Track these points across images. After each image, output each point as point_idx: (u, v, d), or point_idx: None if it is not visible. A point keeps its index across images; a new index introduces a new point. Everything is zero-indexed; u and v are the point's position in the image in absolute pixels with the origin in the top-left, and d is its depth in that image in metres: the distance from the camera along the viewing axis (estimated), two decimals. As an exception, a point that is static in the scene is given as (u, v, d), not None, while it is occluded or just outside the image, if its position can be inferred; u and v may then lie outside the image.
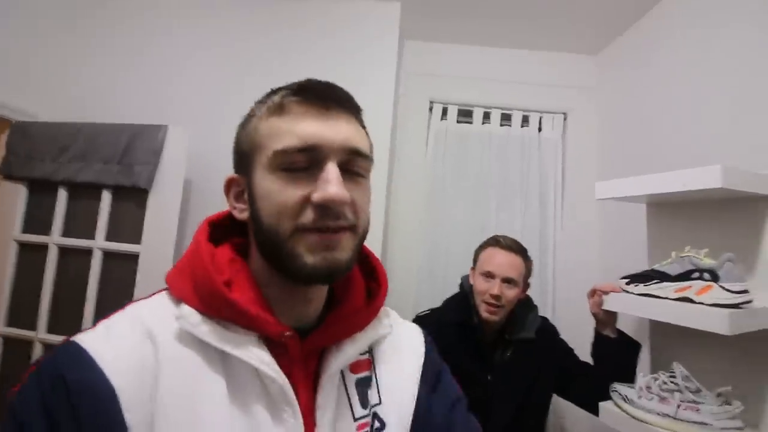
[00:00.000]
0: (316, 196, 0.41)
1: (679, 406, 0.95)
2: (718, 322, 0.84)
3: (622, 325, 1.19)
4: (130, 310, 0.44)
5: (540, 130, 1.92)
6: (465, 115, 1.93)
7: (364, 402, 0.47)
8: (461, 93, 1.92)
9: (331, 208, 0.41)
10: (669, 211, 1.18)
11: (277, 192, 0.42)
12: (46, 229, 1.42)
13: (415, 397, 0.50)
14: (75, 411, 0.36)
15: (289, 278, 0.44)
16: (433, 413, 0.51)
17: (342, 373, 0.47)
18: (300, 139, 0.42)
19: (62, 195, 1.43)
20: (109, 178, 1.38)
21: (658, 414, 0.97)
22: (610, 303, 1.09)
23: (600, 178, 1.71)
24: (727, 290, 0.87)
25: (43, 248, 1.41)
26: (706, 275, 0.91)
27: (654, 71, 1.49)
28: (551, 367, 1.20)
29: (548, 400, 1.24)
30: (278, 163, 0.42)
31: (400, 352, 0.54)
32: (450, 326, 1.19)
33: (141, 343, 0.40)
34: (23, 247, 1.44)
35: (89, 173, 1.38)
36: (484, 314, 1.17)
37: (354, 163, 0.45)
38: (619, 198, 1.13)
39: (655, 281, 1.01)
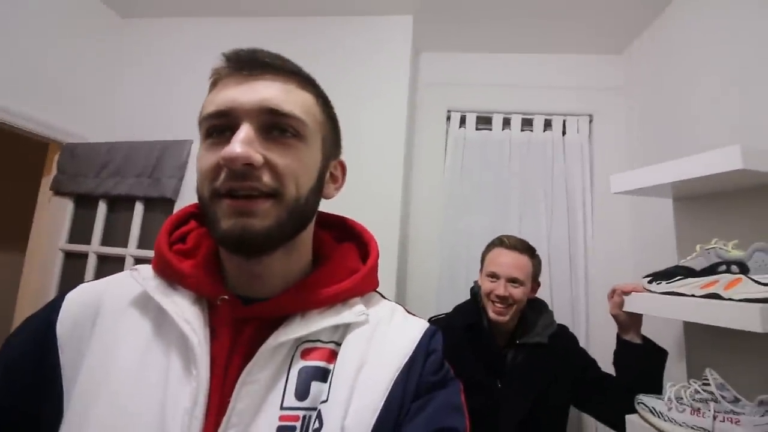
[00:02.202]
0: (220, 155, 0.40)
1: (715, 418, 0.84)
2: (750, 319, 0.75)
3: (654, 329, 1.08)
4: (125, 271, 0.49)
5: (564, 133, 1.86)
6: (484, 122, 1.90)
7: (302, 393, 0.41)
8: (480, 100, 1.90)
9: (235, 170, 0.40)
10: (696, 205, 1.08)
11: (200, 159, 0.44)
12: (87, 239, 1.55)
13: (377, 411, 0.41)
14: (29, 342, 0.43)
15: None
16: None
17: (293, 355, 0.43)
18: (216, 105, 0.42)
19: (102, 207, 1.57)
20: (140, 191, 1.49)
21: (692, 428, 0.86)
22: (631, 304, 1.01)
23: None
24: (758, 282, 0.77)
25: (84, 256, 1.54)
26: (734, 267, 0.82)
27: (681, 66, 1.40)
28: (567, 377, 1.12)
29: (563, 411, 1.14)
30: (203, 133, 0.44)
31: (381, 350, 0.46)
32: (458, 329, 1.15)
33: (95, 295, 0.45)
34: (68, 255, 1.58)
35: (124, 187, 1.51)
36: (492, 315, 1.13)
37: (276, 124, 0.42)
38: (637, 191, 1.06)
39: (679, 278, 0.92)
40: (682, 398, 0.89)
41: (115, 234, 1.55)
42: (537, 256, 1.21)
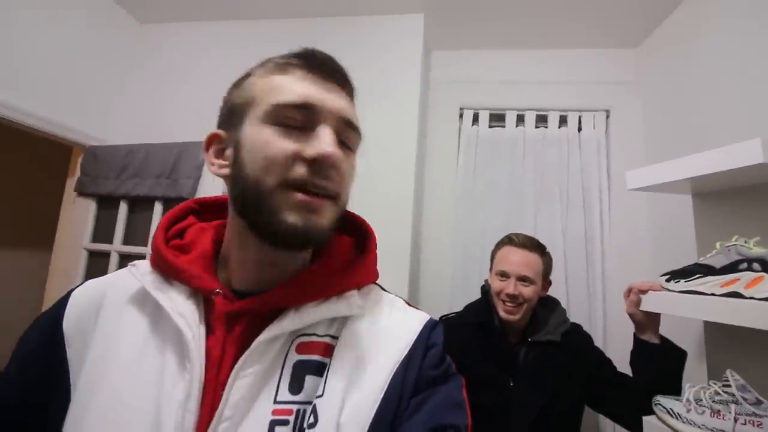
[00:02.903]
0: (311, 151, 0.40)
1: (736, 421, 0.81)
2: (772, 319, 0.72)
3: (672, 329, 1.05)
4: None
5: (580, 129, 1.82)
6: (497, 119, 1.88)
7: (296, 388, 0.41)
8: (492, 97, 1.88)
9: (324, 167, 0.41)
10: (716, 201, 1.05)
11: (267, 144, 0.41)
12: (109, 239, 1.61)
13: (375, 406, 0.40)
14: (39, 338, 0.46)
15: (261, 238, 0.43)
16: None
17: (288, 350, 0.43)
18: (300, 96, 0.42)
19: (123, 208, 1.62)
20: (159, 191, 1.54)
21: (711, 430, 0.84)
22: (648, 303, 0.98)
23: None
24: (782, 281, 0.75)
25: (107, 255, 1.59)
26: (756, 265, 0.79)
27: (697, 58, 1.36)
28: (580, 375, 1.10)
29: (577, 411, 1.12)
30: (273, 117, 0.42)
31: (379, 343, 0.45)
32: (470, 327, 1.15)
33: (99, 290, 0.47)
34: (91, 254, 1.64)
35: (144, 187, 1.56)
36: (503, 314, 1.12)
37: (346, 134, 0.45)
38: (654, 187, 1.03)
39: (699, 276, 0.90)
40: (701, 400, 0.87)
41: (136, 233, 1.60)
42: (547, 254, 1.20)
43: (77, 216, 1.66)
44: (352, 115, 0.46)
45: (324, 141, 0.41)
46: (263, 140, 0.42)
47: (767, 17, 1.07)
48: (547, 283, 1.20)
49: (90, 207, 1.66)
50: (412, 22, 1.70)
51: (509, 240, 1.20)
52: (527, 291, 1.11)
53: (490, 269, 1.24)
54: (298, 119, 0.42)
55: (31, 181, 2.48)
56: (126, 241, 1.61)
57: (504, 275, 1.14)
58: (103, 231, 1.64)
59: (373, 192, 1.52)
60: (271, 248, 0.43)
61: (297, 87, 0.43)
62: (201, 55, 1.81)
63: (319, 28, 1.74)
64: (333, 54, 0.47)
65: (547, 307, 1.19)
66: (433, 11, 1.68)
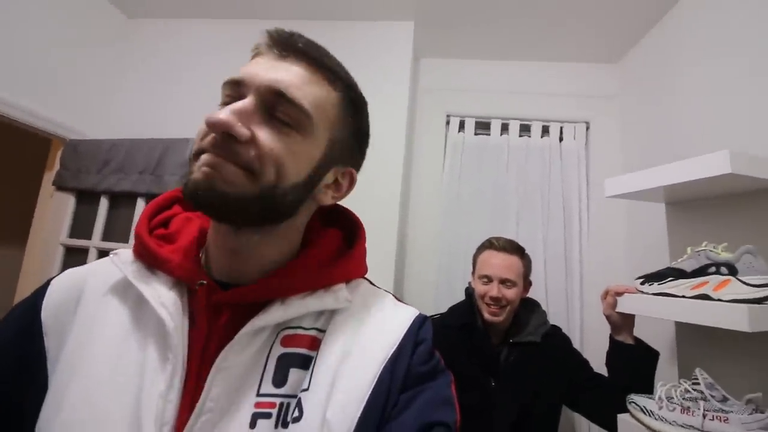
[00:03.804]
0: (205, 118, 0.39)
1: (705, 417, 0.85)
2: (738, 319, 0.77)
3: (646, 330, 1.10)
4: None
5: (561, 140, 1.89)
6: (483, 127, 1.93)
7: (280, 380, 0.40)
8: (479, 106, 1.93)
9: (218, 136, 0.39)
10: (688, 209, 1.11)
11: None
12: (88, 234, 1.57)
13: (363, 403, 0.39)
14: (16, 327, 0.44)
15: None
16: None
17: (273, 342, 0.42)
18: (239, 74, 0.42)
19: (104, 203, 1.59)
20: (143, 188, 1.51)
21: (682, 426, 0.88)
22: (624, 304, 1.02)
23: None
24: (747, 284, 0.80)
25: (85, 251, 1.55)
26: (723, 269, 0.84)
27: (676, 75, 1.44)
28: (559, 376, 1.14)
29: (556, 410, 1.16)
30: (221, 98, 0.43)
31: (367, 338, 0.44)
32: (453, 328, 1.17)
33: (79, 279, 0.46)
34: (68, 250, 1.59)
35: (127, 183, 1.53)
36: (487, 316, 1.16)
37: (277, 108, 0.41)
38: (630, 194, 1.08)
39: (671, 279, 0.94)
40: (672, 397, 0.91)
41: (117, 229, 1.57)
42: (527, 256, 1.24)
43: (55, 211, 1.61)
44: (289, 86, 0.41)
45: (225, 109, 0.39)
46: None
47: (738, 35, 1.14)
48: (527, 283, 1.24)
49: (69, 201, 1.61)
50: (403, 30, 1.74)
51: (490, 244, 1.24)
52: (510, 293, 1.15)
53: (473, 273, 1.28)
54: (231, 95, 0.42)
55: (5, 173, 2.39)
56: (105, 237, 1.57)
57: (487, 279, 1.18)
58: (81, 227, 1.60)
59: (361, 194, 1.51)
60: (227, 229, 0.43)
61: (246, 67, 0.43)
62: (189, 52, 1.80)
63: (310, 31, 1.73)
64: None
65: (527, 308, 1.24)
66: (423, 20, 1.72)
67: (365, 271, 0.53)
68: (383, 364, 0.42)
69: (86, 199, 1.61)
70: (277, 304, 0.42)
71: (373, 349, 0.43)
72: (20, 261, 1.63)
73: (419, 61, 1.96)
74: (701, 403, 0.86)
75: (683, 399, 0.89)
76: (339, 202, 0.53)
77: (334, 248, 0.50)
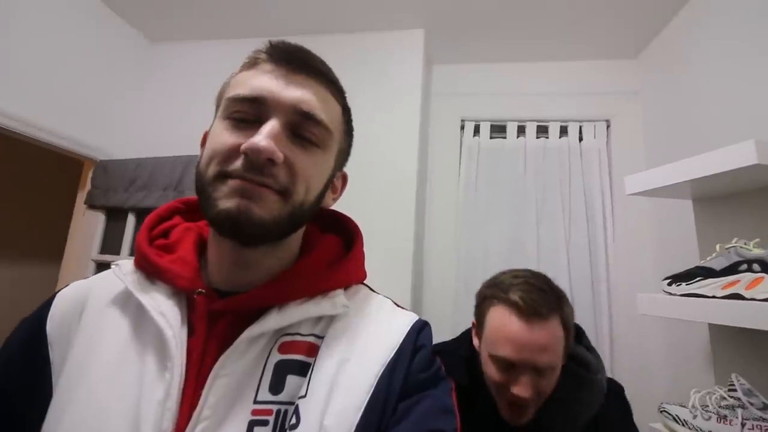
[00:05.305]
0: (243, 145, 0.39)
1: (743, 425, 0.80)
2: (774, 319, 0.72)
3: (678, 335, 1.04)
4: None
5: (581, 139, 1.84)
6: (498, 130, 1.91)
7: (277, 387, 0.40)
8: (493, 109, 1.91)
9: (256, 161, 0.39)
10: (716, 205, 1.05)
11: (216, 136, 0.42)
12: (117, 250, 1.64)
13: (360, 410, 0.39)
14: (22, 339, 0.45)
15: (213, 230, 0.44)
16: None
17: (270, 349, 0.42)
18: (252, 90, 0.42)
19: (131, 220, 1.66)
20: (166, 203, 1.56)
21: (719, 436, 0.82)
22: (649, 308, 0.98)
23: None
24: (782, 281, 0.74)
25: (114, 266, 1.62)
26: (756, 266, 0.79)
27: (696, 68, 1.38)
28: None
29: None
30: (228, 112, 0.43)
31: (365, 344, 0.44)
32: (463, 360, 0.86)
33: (83, 291, 0.47)
34: (99, 266, 1.66)
35: (151, 200, 1.59)
36: (505, 416, 0.77)
37: (304, 127, 0.42)
38: (653, 191, 1.03)
39: (699, 278, 0.89)
40: (707, 405, 0.86)
41: (143, 245, 1.63)
42: (568, 305, 0.79)
43: (87, 228, 1.69)
44: (314, 107, 0.42)
45: (259, 134, 0.39)
46: (214, 134, 0.43)
47: (759, 23, 1.08)
48: (568, 347, 0.79)
49: (99, 219, 1.70)
50: (413, 38, 1.74)
51: (509, 301, 0.76)
52: (546, 384, 0.74)
53: (478, 334, 0.85)
54: (250, 113, 0.42)
55: (42, 195, 2.54)
56: (133, 252, 1.63)
57: (507, 364, 0.74)
58: (111, 242, 1.67)
59: (375, 203, 1.53)
60: (239, 246, 0.43)
61: (255, 81, 0.42)
62: (208, 72, 1.86)
63: (323, 45, 1.77)
64: (336, 70, 0.48)
65: (569, 377, 0.77)
66: (433, 27, 1.72)
67: (364, 276, 0.53)
68: (381, 371, 0.42)
69: (115, 216, 1.69)
70: (275, 311, 0.42)
71: (370, 355, 0.43)
72: (57, 278, 1.73)
73: (431, 67, 1.96)
74: (739, 411, 0.80)
75: (719, 407, 0.84)
76: (338, 208, 0.54)
77: (332, 254, 0.50)
